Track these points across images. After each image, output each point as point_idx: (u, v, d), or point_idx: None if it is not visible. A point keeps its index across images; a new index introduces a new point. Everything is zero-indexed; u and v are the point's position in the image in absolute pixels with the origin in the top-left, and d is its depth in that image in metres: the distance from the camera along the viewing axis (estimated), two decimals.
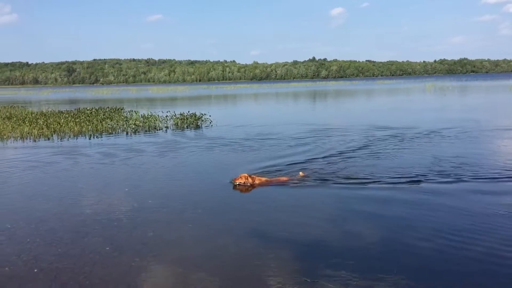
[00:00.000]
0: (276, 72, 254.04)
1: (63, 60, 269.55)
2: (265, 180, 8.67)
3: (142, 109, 30.64)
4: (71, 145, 14.77)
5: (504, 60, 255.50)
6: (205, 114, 22.32)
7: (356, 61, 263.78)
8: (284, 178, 8.93)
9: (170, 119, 21.67)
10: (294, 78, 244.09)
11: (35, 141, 16.01)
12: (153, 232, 6.17)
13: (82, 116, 22.89)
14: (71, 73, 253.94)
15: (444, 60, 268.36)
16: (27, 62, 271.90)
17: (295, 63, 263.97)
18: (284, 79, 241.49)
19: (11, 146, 15.12)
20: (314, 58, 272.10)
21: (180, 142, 15.09)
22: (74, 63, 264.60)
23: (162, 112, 24.48)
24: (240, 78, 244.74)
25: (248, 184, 8.44)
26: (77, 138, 16.43)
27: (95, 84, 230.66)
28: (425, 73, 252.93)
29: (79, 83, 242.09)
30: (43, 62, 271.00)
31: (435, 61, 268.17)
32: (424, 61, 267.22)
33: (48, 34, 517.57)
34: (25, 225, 6.61)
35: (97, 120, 20.61)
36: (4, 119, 22.56)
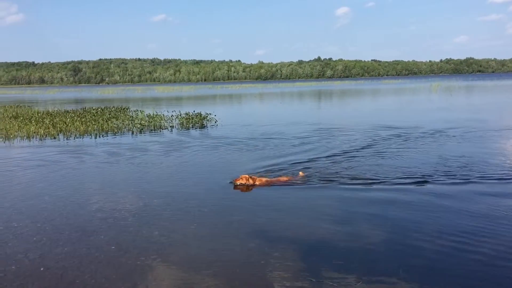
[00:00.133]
0: (281, 71, 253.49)
1: (69, 60, 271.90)
2: (265, 181, 8.66)
3: (148, 108, 30.79)
4: (77, 144, 14.86)
5: (511, 60, 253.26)
6: (210, 114, 22.37)
7: (361, 60, 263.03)
8: (284, 178, 8.92)
9: (175, 119, 21.73)
10: (299, 77, 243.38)
11: (41, 140, 16.12)
12: (158, 232, 6.19)
13: (88, 115, 23.04)
14: (77, 72, 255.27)
15: (450, 59, 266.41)
16: (33, 62, 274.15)
17: (300, 62, 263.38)
18: (290, 78, 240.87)
19: (17, 145, 15.24)
20: (319, 57, 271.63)
21: (185, 141, 15.13)
22: (80, 62, 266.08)
23: (167, 111, 24.59)
24: (245, 78, 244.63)
25: (249, 184, 8.44)
26: (83, 138, 16.52)
27: (100, 84, 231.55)
28: (431, 73, 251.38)
29: (85, 83, 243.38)
30: (49, 62, 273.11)
31: (441, 60, 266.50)
32: (430, 61, 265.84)
33: (54, 34, 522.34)
34: (31, 223, 6.66)
35: (102, 120, 20.71)
36: (10, 118, 22.77)
